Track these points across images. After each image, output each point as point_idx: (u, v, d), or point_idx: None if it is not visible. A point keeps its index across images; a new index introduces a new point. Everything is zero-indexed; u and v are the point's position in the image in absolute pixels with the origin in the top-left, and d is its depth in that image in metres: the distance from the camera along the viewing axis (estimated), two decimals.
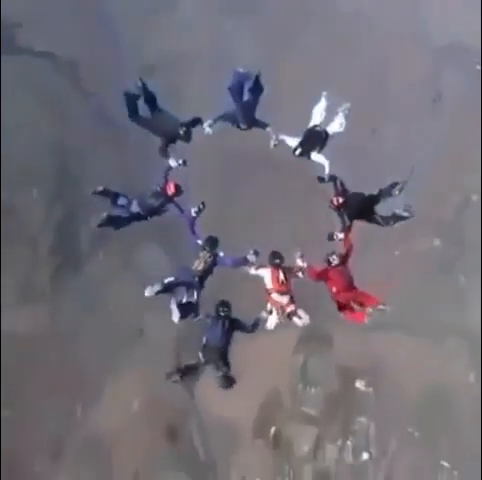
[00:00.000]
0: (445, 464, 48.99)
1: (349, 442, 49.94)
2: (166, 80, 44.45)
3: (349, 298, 13.22)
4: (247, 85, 13.88)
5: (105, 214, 13.66)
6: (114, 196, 14.04)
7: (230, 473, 49.41)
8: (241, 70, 13.47)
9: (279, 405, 50.54)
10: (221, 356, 13.21)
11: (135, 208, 13.97)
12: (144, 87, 13.92)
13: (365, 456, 49.70)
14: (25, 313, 53.61)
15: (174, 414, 50.08)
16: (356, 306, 13.45)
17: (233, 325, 13.35)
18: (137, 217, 14.04)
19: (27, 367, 50.67)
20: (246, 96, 13.81)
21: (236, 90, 13.53)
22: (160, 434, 49.83)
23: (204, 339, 13.42)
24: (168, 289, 12.94)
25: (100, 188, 14.46)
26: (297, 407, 50.73)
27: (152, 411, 48.98)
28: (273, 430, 50.14)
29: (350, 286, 13.35)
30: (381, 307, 13.36)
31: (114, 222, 13.97)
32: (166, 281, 12.91)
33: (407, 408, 50.42)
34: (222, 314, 13.14)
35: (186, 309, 12.73)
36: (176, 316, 12.76)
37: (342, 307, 14.05)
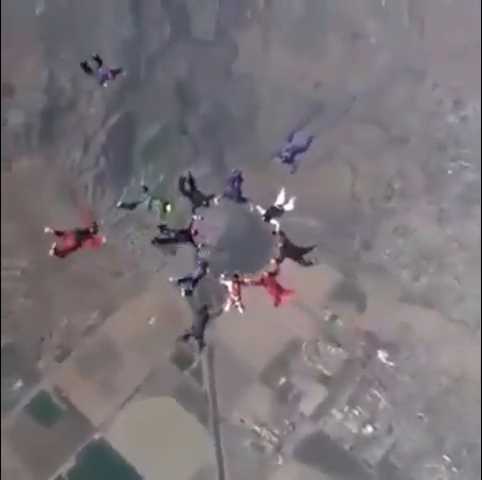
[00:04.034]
0: (447, 458, 47.08)
1: (356, 411, 48.24)
2: None
3: (276, 293, 19.53)
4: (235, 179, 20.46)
5: (155, 238, 20.13)
6: (161, 227, 19.86)
7: (231, 413, 48.18)
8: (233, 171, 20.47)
9: (295, 356, 48.98)
10: (200, 336, 20.28)
11: (172, 235, 19.78)
12: (190, 177, 20.46)
13: (369, 429, 48.00)
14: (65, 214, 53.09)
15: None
16: (283, 297, 19.55)
17: (207, 318, 20.34)
18: (169, 241, 20.23)
19: (57, 262, 50.15)
20: (236, 184, 20.31)
21: (229, 181, 20.40)
22: (170, 356, 48.82)
23: (193, 321, 20.48)
24: (183, 280, 20.06)
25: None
26: (313, 363, 49.06)
27: (167, 331, 47.92)
28: (283, 381, 48.63)
29: (277, 287, 19.49)
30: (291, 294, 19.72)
31: (160, 242, 20.44)
32: (181, 278, 20.11)
33: (423, 392, 48.51)
34: (203, 311, 20.45)
35: (188, 292, 19.96)
36: (183, 294, 19.94)
37: (275, 300, 19.69)
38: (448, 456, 46.99)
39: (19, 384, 48.60)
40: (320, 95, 56.41)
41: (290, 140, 20.34)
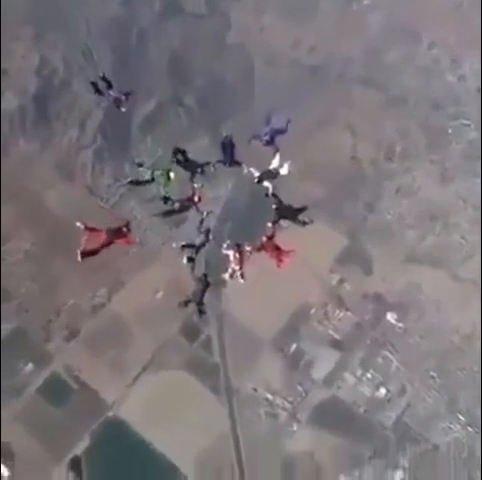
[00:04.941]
0: (461, 417, 46.92)
1: (369, 374, 48.09)
2: None
3: (276, 255, 19.67)
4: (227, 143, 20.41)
5: (163, 211, 20.21)
6: (165, 199, 19.96)
7: (243, 382, 47.98)
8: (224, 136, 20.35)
9: (305, 322, 48.73)
10: (200, 302, 20.29)
11: (176, 206, 19.94)
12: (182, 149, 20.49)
13: (382, 391, 47.83)
14: (64, 191, 52.99)
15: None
16: (284, 258, 19.58)
17: (208, 285, 20.30)
18: (174, 212, 20.18)
19: (60, 242, 50.20)
20: (228, 149, 20.30)
21: (222, 146, 20.36)
22: (179, 329, 48.61)
23: (193, 287, 20.32)
24: (186, 246, 20.25)
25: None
26: (323, 328, 48.88)
27: (175, 304, 47.51)
28: (294, 347, 48.46)
29: (277, 249, 19.59)
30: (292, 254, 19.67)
31: (167, 214, 20.42)
32: (185, 243, 20.34)
33: (435, 351, 48.24)
34: (203, 279, 20.27)
35: (190, 259, 20.13)
36: (185, 261, 20.08)
37: (277, 263, 19.75)
38: (462, 415, 46.74)
39: (30, 367, 48.52)
40: (315, 60, 55.72)
41: (268, 123, 20.46)
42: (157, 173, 20.12)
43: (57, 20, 57.61)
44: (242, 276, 19.82)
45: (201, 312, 20.70)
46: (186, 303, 20.47)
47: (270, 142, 20.36)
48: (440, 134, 53.80)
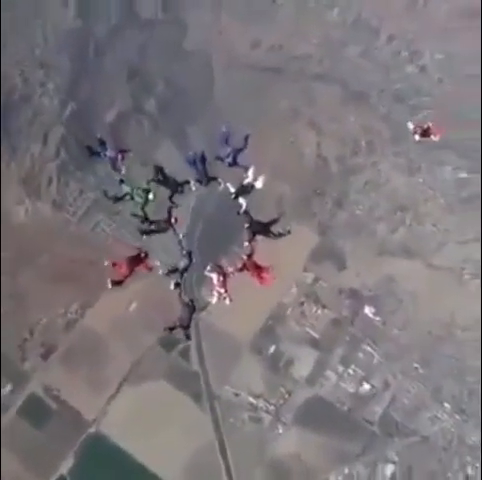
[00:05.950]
0: (447, 405, 46.81)
1: (351, 370, 47.80)
2: None
3: (257, 273, 19.24)
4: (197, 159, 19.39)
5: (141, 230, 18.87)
6: (143, 217, 18.94)
7: (224, 388, 47.56)
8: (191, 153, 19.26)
9: (282, 323, 48.40)
10: (186, 327, 19.04)
11: (153, 227, 18.92)
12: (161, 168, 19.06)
13: (366, 387, 47.58)
14: (29, 205, 52.36)
15: (173, 320, 47.86)
16: (265, 275, 19.09)
17: (194, 308, 19.41)
18: (152, 232, 19.14)
19: (29, 258, 49.68)
20: (199, 166, 19.08)
21: (191, 163, 19.20)
22: (155, 339, 48.06)
23: (180, 313, 19.32)
24: (171, 272, 19.07)
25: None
26: (300, 327, 48.55)
27: (149, 315, 47.19)
28: (273, 349, 48.10)
29: (257, 267, 19.15)
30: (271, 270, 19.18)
31: (147, 233, 19.12)
32: (170, 268, 18.89)
33: (416, 342, 48.12)
34: (190, 304, 19.35)
35: (177, 285, 18.96)
36: (172, 287, 18.81)
37: (259, 281, 19.23)
38: (448, 403, 46.69)
39: (8, 388, 47.76)
40: (275, 59, 55.70)
41: (226, 144, 19.67)
42: (137, 192, 19.25)
43: (14, 33, 56.99)
44: (230, 299, 19.02)
45: (188, 337, 19.89)
46: (171, 329, 19.49)
47: (233, 163, 19.58)
48: (403, 126, 53.75)
